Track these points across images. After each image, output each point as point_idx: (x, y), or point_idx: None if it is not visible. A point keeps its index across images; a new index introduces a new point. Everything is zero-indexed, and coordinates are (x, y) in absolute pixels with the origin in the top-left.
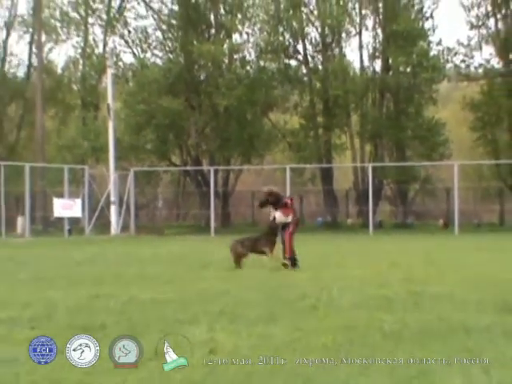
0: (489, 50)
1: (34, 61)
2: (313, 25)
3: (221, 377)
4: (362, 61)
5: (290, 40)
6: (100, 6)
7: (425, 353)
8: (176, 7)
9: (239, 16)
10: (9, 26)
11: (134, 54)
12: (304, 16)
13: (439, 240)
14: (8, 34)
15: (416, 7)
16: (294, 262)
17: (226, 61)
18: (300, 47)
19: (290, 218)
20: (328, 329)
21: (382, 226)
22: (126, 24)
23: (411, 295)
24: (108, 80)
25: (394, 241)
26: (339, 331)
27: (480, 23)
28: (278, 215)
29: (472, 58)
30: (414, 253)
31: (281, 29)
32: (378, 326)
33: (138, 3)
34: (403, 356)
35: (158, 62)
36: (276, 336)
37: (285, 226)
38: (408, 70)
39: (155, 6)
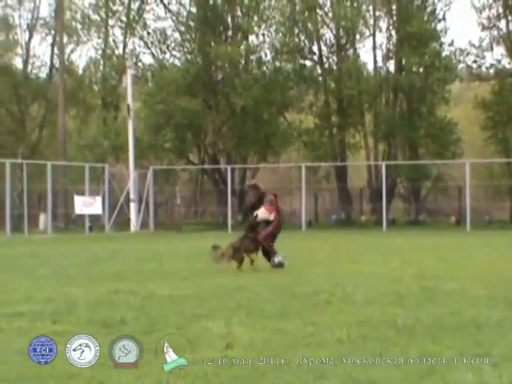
0: (500, 51)
1: (56, 62)
2: (327, 26)
3: (235, 372)
4: (375, 61)
5: (306, 41)
6: (120, 9)
7: (437, 347)
8: (194, 9)
9: (255, 18)
10: (31, 29)
11: (153, 54)
12: (319, 18)
13: (451, 237)
14: (31, 36)
15: (429, 9)
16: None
17: (243, 61)
18: (315, 48)
19: (272, 216)
20: (342, 324)
21: (395, 223)
22: (145, 26)
23: (423, 291)
24: (128, 80)
25: (407, 238)
26: (353, 326)
27: (491, 24)
28: (261, 212)
29: (483, 58)
30: (426, 249)
31: (296, 30)
32: (391, 321)
33: (157, 5)
34: (416, 350)
35: (177, 62)
36: (290, 330)
37: (267, 224)
38: (421, 70)
39: (174, 7)
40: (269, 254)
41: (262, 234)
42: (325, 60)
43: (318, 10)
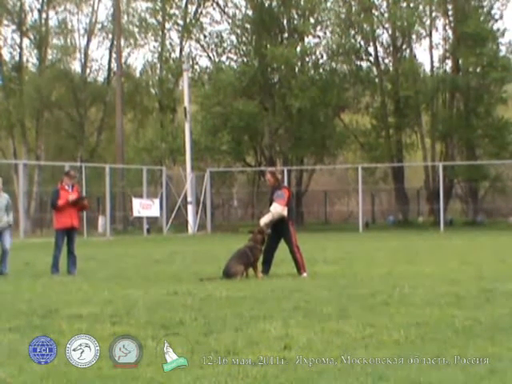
0: None
1: (114, 66)
2: (383, 27)
3: (294, 373)
4: (432, 62)
5: (362, 42)
6: (176, 12)
7: (496, 348)
8: (250, 12)
9: (311, 19)
10: (89, 33)
11: (209, 57)
12: (375, 19)
13: (510, 237)
14: (89, 41)
15: (485, 9)
16: (267, 269)
17: (299, 63)
18: (371, 49)
19: (285, 211)
20: (400, 325)
21: (452, 223)
22: (201, 29)
23: (483, 292)
24: (184, 83)
25: (465, 238)
26: (411, 327)
27: None
28: (275, 206)
29: None
30: (484, 250)
31: (352, 31)
32: (450, 322)
33: (214, 8)
34: (475, 351)
35: (233, 65)
36: (348, 332)
37: (282, 229)
38: (478, 70)
39: (230, 11)
40: (298, 265)
41: (293, 248)
42: (381, 61)
43: (373, 11)
